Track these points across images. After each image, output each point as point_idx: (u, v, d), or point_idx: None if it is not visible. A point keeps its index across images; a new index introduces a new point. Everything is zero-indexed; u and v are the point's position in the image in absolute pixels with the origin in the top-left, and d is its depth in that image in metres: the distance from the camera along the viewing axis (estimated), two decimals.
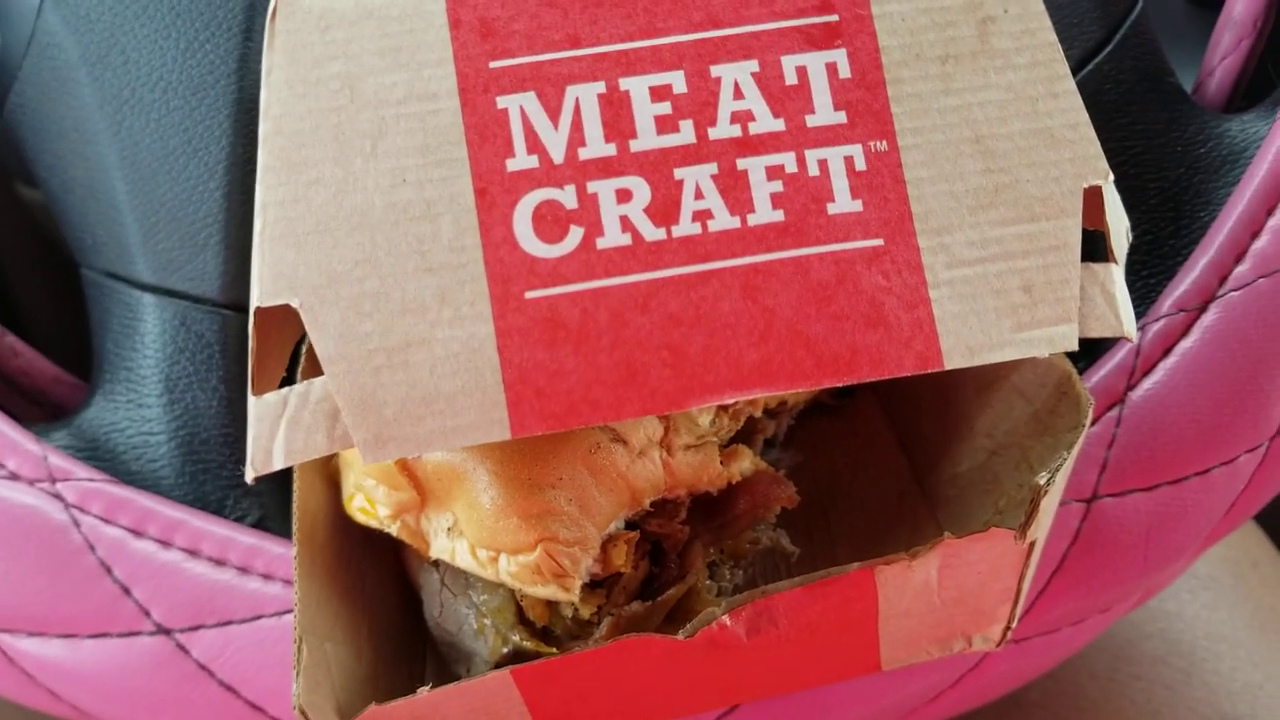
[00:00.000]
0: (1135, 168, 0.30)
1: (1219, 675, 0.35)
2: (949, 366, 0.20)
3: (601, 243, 0.20)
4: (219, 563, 0.27)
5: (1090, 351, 0.29)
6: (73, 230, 0.31)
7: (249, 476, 0.20)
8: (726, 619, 0.22)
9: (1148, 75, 0.30)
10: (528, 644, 0.24)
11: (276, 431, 0.20)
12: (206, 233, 0.29)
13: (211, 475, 0.29)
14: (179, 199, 0.29)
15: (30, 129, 0.31)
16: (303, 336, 0.25)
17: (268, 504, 0.29)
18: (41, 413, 0.32)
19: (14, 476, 0.28)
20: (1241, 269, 0.28)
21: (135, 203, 0.29)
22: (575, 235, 0.20)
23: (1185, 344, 0.28)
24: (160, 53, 0.29)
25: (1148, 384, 0.28)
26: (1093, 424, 0.27)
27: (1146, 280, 0.29)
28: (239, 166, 0.29)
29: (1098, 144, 0.21)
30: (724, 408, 0.26)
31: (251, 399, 0.20)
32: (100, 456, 0.29)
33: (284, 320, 0.22)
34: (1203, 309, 0.28)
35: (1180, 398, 0.28)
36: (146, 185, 0.29)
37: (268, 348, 0.21)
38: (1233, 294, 0.28)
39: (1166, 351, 0.28)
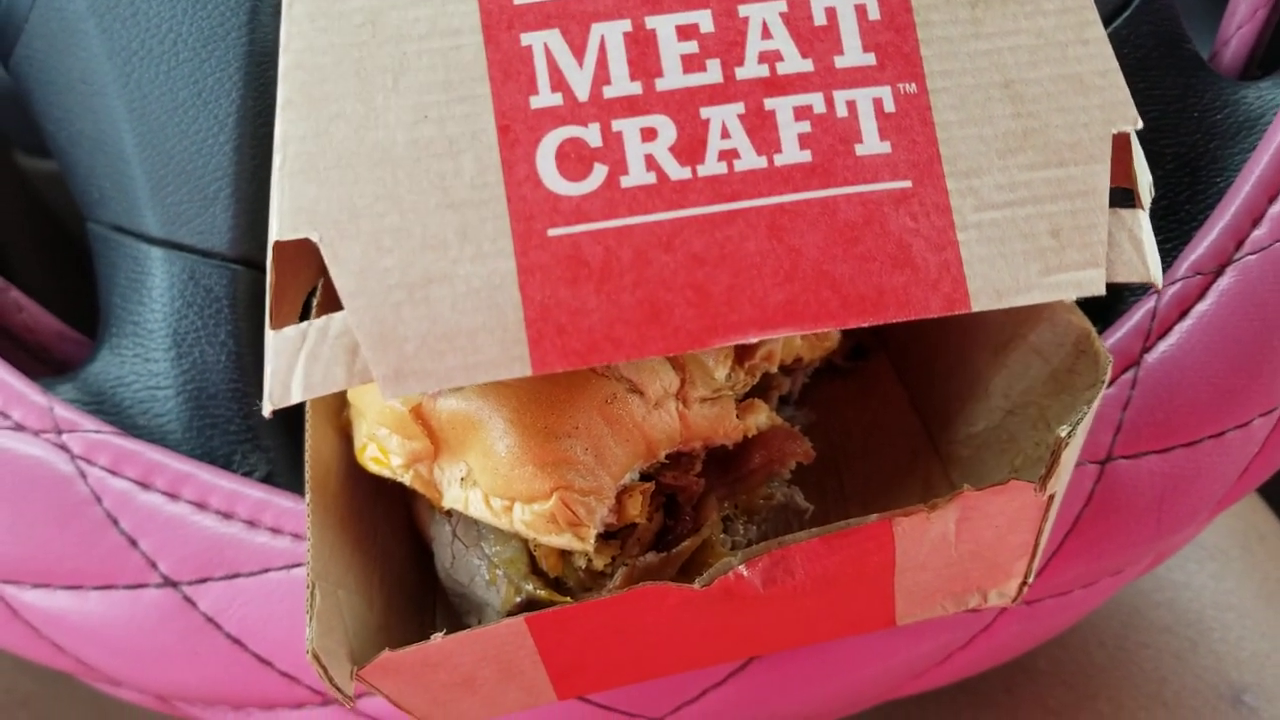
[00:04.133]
0: (1152, 133, 0.30)
1: (1226, 644, 0.35)
2: (976, 309, 0.20)
3: (626, 181, 0.20)
4: (227, 516, 0.27)
5: (1105, 315, 0.29)
6: (79, 183, 0.31)
7: (266, 410, 0.19)
8: (743, 569, 0.22)
9: (1165, 41, 0.30)
10: (541, 593, 0.24)
11: (295, 365, 0.19)
12: (216, 186, 0.29)
13: (219, 430, 0.29)
14: (188, 152, 0.29)
15: (37, 81, 0.31)
16: (312, 290, 0.24)
17: (276, 459, 0.29)
18: (46, 369, 0.32)
19: (19, 427, 0.28)
20: (1258, 233, 0.28)
21: (144, 156, 0.29)
22: (599, 173, 0.20)
23: (1201, 307, 0.28)
24: (170, 4, 0.29)
25: (1163, 346, 0.28)
26: (1108, 386, 0.27)
27: (1162, 245, 0.29)
28: (249, 120, 0.29)
29: (1127, 91, 0.21)
30: (739, 362, 0.26)
31: (270, 333, 0.20)
32: (106, 410, 0.29)
33: (300, 261, 0.21)
34: (1219, 272, 0.28)
35: (1196, 360, 0.27)
36: (155, 138, 0.29)
37: (284, 286, 0.21)
38: (1249, 257, 0.28)
39: (1183, 314, 0.28)
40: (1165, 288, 0.28)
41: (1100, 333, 0.28)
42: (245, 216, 0.29)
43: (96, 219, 0.30)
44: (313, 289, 0.24)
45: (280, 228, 0.20)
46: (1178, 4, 0.31)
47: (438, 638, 0.21)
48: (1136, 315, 0.28)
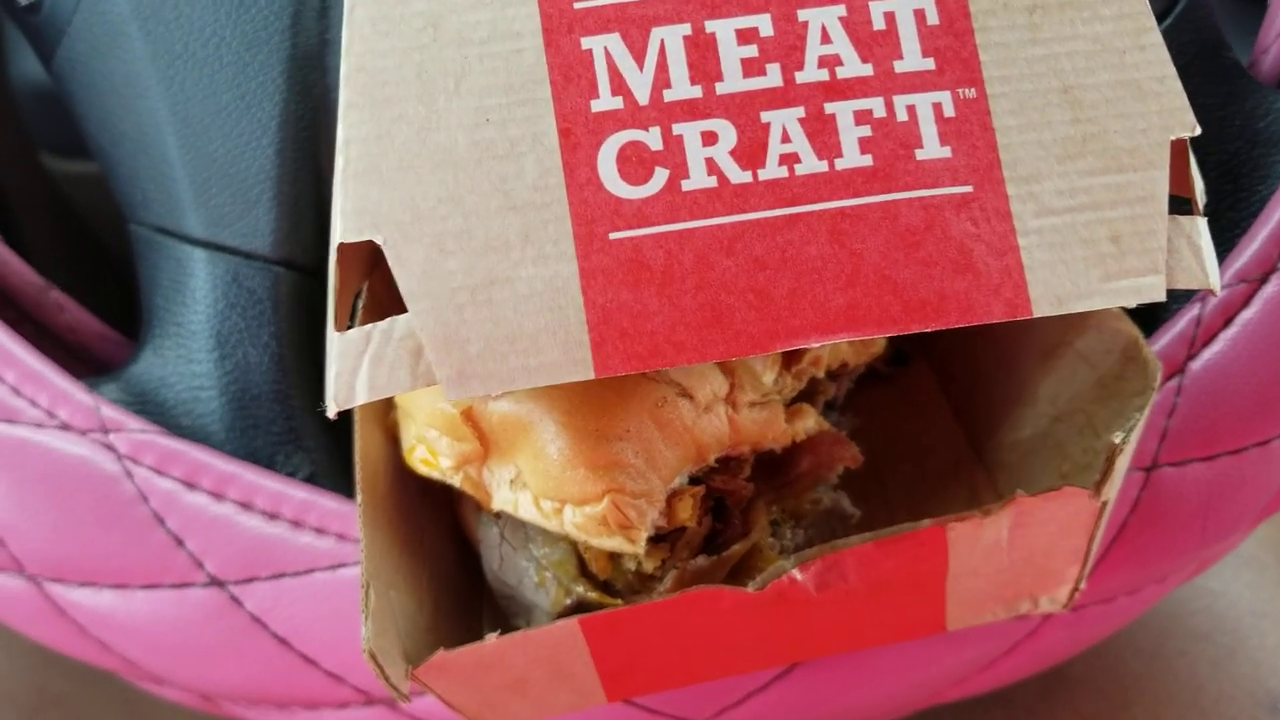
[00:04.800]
0: (1194, 141, 0.30)
1: (1263, 651, 0.35)
2: (1038, 314, 0.20)
3: (686, 185, 0.20)
4: (272, 516, 0.27)
5: (1149, 322, 0.29)
6: (121, 185, 0.31)
7: (331, 411, 0.19)
8: (797, 572, 0.22)
9: (1206, 48, 0.30)
10: (591, 595, 0.24)
11: (359, 367, 0.19)
12: (259, 189, 0.29)
13: (262, 431, 0.29)
14: (231, 155, 0.29)
15: (80, 84, 0.31)
16: (359, 293, 0.24)
17: (318, 460, 0.29)
18: (87, 369, 0.32)
19: (66, 426, 0.28)
20: None
21: (187, 158, 0.29)
22: (660, 177, 0.20)
23: (1246, 314, 0.28)
24: (213, 8, 0.29)
25: (1208, 354, 0.28)
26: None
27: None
28: (291, 123, 0.29)
29: (1184, 97, 0.21)
30: (787, 367, 0.26)
31: (334, 335, 0.20)
32: (150, 410, 0.29)
33: (355, 263, 0.21)
34: (1263, 279, 0.28)
35: (1241, 368, 0.27)
36: (198, 141, 0.29)
37: (345, 289, 0.21)
38: None
39: (1227, 322, 0.28)
40: (1209, 296, 0.28)
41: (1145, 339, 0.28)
42: (287, 219, 0.29)
43: (139, 220, 0.30)
44: (358, 291, 0.24)
45: (345, 229, 0.20)
46: (1217, 13, 0.31)
47: (492, 638, 0.21)
48: (1181, 322, 0.28)
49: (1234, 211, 0.29)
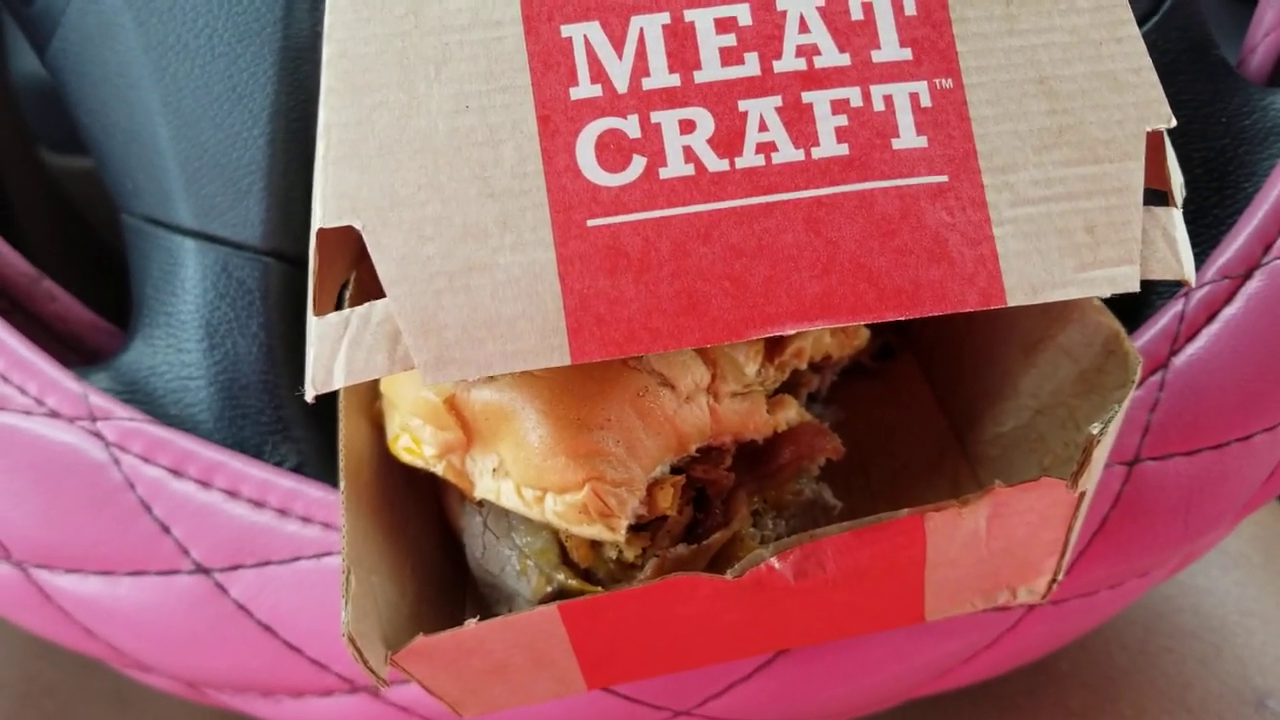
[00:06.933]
0: (1180, 138, 0.30)
1: (1250, 649, 0.35)
2: (1012, 304, 0.20)
3: (664, 173, 0.20)
4: (258, 504, 0.27)
5: (1132, 318, 0.29)
6: (113, 176, 0.31)
7: (309, 395, 0.20)
8: (775, 561, 0.22)
9: (1193, 46, 0.30)
10: (572, 584, 0.24)
11: (338, 351, 0.20)
12: (249, 180, 0.29)
13: (250, 420, 0.29)
14: (222, 145, 0.29)
15: (73, 74, 0.31)
16: (346, 282, 0.25)
17: (305, 450, 0.29)
18: (77, 359, 0.32)
19: (54, 414, 0.28)
20: None
21: (178, 148, 0.29)
22: (638, 165, 0.20)
23: (1230, 310, 0.28)
24: None
25: (1191, 349, 0.28)
26: (1137, 388, 0.27)
27: (1191, 248, 0.29)
28: (283, 114, 0.29)
29: (1160, 89, 0.21)
30: (769, 358, 0.26)
31: (313, 319, 0.20)
32: (139, 399, 0.29)
33: (338, 250, 0.22)
34: (1247, 276, 0.28)
35: (1224, 363, 0.27)
36: (190, 131, 0.29)
37: (324, 273, 0.21)
38: (1277, 261, 0.28)
39: (1211, 317, 0.28)
40: (1193, 291, 0.28)
41: (1128, 334, 0.28)
42: (278, 210, 0.29)
43: (130, 211, 0.31)
44: (345, 281, 0.24)
45: (324, 214, 0.20)
46: (1205, 11, 0.31)
47: (472, 623, 0.22)
48: (1164, 318, 0.28)
49: (1220, 209, 0.30)
